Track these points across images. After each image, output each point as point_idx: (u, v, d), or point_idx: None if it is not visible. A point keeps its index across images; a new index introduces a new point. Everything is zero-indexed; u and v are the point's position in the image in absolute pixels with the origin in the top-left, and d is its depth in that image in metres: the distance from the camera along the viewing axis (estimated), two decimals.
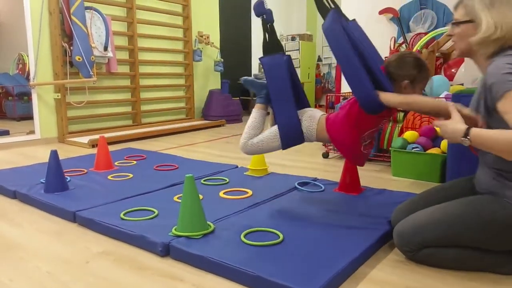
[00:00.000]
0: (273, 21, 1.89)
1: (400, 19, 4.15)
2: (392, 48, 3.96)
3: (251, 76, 2.09)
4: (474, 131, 1.28)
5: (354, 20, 1.81)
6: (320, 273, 1.35)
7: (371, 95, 1.59)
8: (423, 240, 1.47)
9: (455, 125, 1.34)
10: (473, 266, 1.46)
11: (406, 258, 1.55)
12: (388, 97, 1.59)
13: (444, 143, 2.64)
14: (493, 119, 1.37)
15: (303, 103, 1.93)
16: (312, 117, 1.84)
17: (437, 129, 1.44)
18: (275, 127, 1.85)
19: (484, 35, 1.34)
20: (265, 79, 1.88)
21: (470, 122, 1.40)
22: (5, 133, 4.58)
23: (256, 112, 1.95)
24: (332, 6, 1.66)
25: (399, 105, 1.61)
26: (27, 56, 4.46)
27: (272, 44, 1.90)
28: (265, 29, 1.88)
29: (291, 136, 1.83)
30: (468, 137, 1.28)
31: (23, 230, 1.92)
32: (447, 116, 1.42)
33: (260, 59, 1.85)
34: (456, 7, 1.46)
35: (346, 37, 1.60)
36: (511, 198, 1.37)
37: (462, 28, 1.43)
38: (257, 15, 1.88)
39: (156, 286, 1.40)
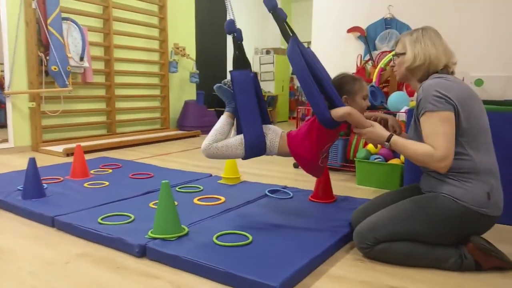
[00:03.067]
0: (242, 40, 2.04)
1: (366, 37, 4.40)
2: (358, 65, 4.20)
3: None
4: (394, 138, 1.66)
5: (309, 47, 1.93)
6: (284, 269, 1.50)
7: (325, 112, 1.76)
8: (378, 235, 1.66)
9: (380, 131, 1.71)
10: (421, 261, 1.65)
11: (363, 257, 1.73)
12: (334, 112, 1.76)
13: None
14: (417, 132, 1.68)
15: (264, 120, 1.98)
16: (276, 132, 1.94)
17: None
18: (241, 136, 1.90)
19: (407, 64, 1.73)
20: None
21: (393, 130, 1.87)
22: None
23: (224, 119, 1.99)
24: (291, 34, 1.83)
25: (342, 117, 1.74)
26: (2, 64, 4.47)
27: (241, 61, 2.00)
28: (235, 46, 2.02)
29: (256, 147, 1.89)
30: (389, 142, 1.65)
31: (3, 235, 1.99)
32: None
33: (230, 72, 1.96)
34: (397, 42, 1.83)
35: (303, 61, 1.76)
36: (448, 192, 1.60)
37: (399, 59, 1.78)
38: (228, 33, 2.00)
39: (134, 284, 1.51)
